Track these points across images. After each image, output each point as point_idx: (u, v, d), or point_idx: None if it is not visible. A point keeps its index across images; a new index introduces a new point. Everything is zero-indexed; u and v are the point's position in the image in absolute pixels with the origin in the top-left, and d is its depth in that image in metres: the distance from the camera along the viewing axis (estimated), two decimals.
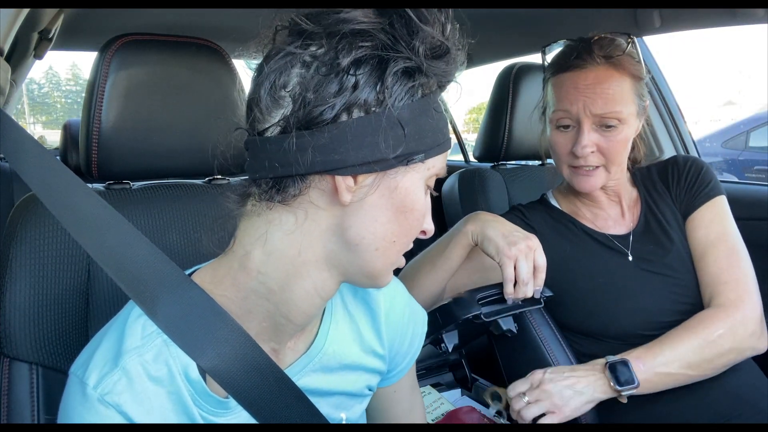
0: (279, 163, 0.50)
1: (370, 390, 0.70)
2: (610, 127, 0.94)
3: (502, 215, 1.08)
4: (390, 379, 0.73)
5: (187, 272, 0.57)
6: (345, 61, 0.47)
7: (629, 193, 1.07)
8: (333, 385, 0.63)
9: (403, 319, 0.70)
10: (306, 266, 0.53)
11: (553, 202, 1.11)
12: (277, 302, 0.55)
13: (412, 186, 0.53)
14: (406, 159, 0.50)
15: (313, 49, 0.49)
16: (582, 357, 1.02)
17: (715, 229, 0.98)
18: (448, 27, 0.50)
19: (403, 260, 0.57)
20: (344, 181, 0.50)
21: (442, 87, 0.54)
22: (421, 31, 0.48)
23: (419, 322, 0.74)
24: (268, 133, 0.51)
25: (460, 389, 1.32)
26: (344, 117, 0.49)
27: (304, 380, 0.60)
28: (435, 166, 0.54)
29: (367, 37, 0.48)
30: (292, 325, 0.57)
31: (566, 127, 0.96)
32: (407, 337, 0.71)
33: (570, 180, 1.00)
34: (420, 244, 0.60)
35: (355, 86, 0.48)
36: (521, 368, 1.03)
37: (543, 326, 1.08)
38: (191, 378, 0.53)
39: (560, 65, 0.99)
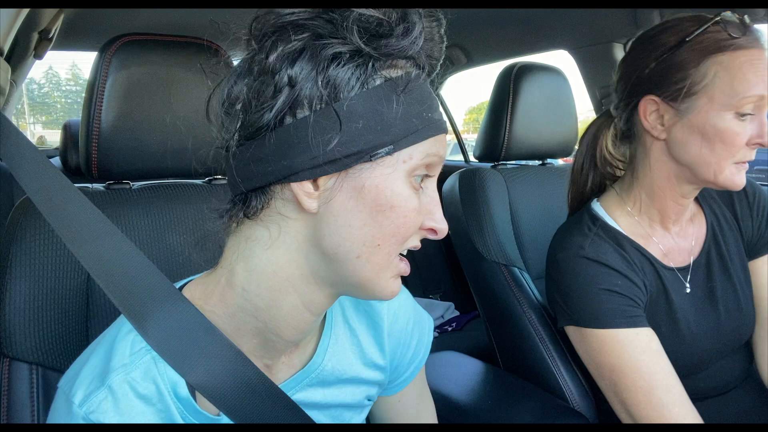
0: (240, 178, 0.48)
1: (369, 400, 0.68)
2: None
3: (572, 264, 0.86)
4: (392, 388, 0.71)
5: (179, 284, 0.56)
6: (272, 58, 0.45)
7: (690, 211, 0.94)
8: (330, 398, 0.62)
9: (407, 329, 0.68)
10: (290, 281, 0.51)
11: (613, 224, 0.90)
12: (265, 319, 0.53)
13: (385, 183, 0.47)
14: (366, 154, 0.46)
15: (254, 55, 0.47)
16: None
17: None
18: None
19: (404, 265, 0.52)
20: (301, 188, 0.47)
21: (425, 68, 0.49)
22: (353, 11, 0.44)
23: (425, 331, 0.71)
24: (230, 150, 0.50)
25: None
26: (288, 119, 0.46)
27: (300, 394, 0.59)
28: (414, 156, 0.48)
29: (299, 29, 0.45)
30: (283, 341, 0.55)
31: (745, 115, 0.77)
32: (411, 348, 0.69)
33: (731, 179, 0.81)
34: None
35: (292, 83, 0.45)
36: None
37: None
38: (180, 395, 0.51)
39: (748, 41, 0.77)
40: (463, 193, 1.29)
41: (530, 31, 1.69)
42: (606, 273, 0.84)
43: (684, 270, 0.90)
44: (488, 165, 1.43)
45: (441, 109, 0.52)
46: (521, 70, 1.33)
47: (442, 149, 0.50)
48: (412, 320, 0.69)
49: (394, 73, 0.47)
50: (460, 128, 2.59)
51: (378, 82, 0.46)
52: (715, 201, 0.97)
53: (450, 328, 1.95)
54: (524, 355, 1.10)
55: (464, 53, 2.10)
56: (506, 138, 1.32)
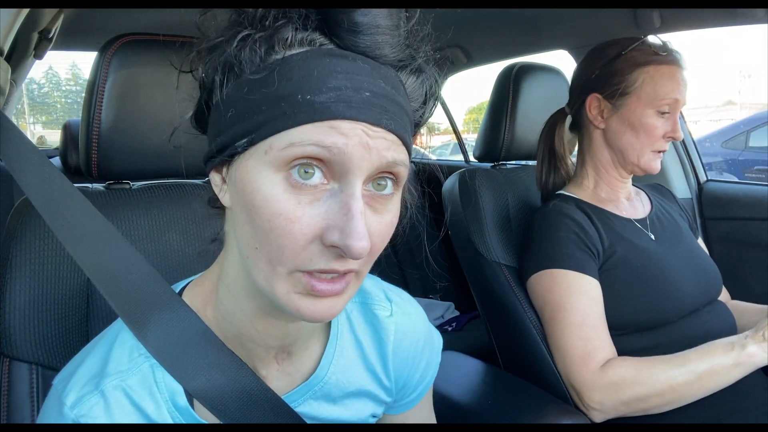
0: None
1: (374, 417, 0.65)
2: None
3: (540, 219, 1.08)
4: (397, 408, 0.69)
5: (180, 285, 0.55)
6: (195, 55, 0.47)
7: (632, 190, 1.18)
8: (335, 415, 0.59)
9: (416, 348, 0.64)
10: (239, 282, 0.49)
11: (574, 196, 1.13)
12: (236, 325, 0.51)
13: (247, 176, 0.42)
14: (232, 145, 0.43)
15: None
16: None
17: None
18: None
19: (317, 283, 0.42)
20: (212, 179, 0.48)
21: (336, 42, 0.42)
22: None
23: (435, 351, 0.68)
24: None
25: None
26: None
27: (302, 407, 0.57)
28: (273, 147, 0.40)
29: (231, 25, 0.45)
30: (261, 348, 0.52)
31: (663, 113, 1.04)
32: (419, 369, 0.66)
33: (648, 163, 1.06)
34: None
35: (201, 77, 0.46)
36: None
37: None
38: (178, 405, 0.50)
39: (668, 59, 1.03)
40: (463, 193, 1.29)
41: (530, 31, 1.69)
42: (566, 222, 1.03)
43: (642, 222, 1.11)
44: (488, 165, 1.43)
45: (358, 92, 0.40)
46: (521, 70, 1.33)
47: (329, 138, 0.39)
48: (423, 340, 0.65)
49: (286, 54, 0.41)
50: (460, 128, 2.59)
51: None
52: (662, 199, 1.22)
53: (450, 328, 1.95)
54: (525, 355, 1.09)
55: (464, 53, 2.09)
56: (506, 138, 1.33)
